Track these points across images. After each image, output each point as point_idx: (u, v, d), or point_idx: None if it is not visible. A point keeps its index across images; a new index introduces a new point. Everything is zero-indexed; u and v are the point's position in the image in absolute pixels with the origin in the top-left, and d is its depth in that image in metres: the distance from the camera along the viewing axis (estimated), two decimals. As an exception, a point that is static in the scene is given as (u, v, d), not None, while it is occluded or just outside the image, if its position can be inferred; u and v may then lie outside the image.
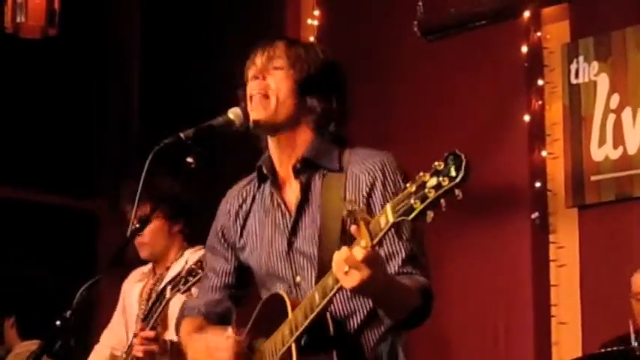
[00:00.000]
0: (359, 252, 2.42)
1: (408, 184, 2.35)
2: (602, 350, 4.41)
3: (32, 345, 5.60)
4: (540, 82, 5.52)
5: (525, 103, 5.54)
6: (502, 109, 5.67)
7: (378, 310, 2.70)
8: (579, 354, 5.10)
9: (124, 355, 4.25)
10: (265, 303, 2.84)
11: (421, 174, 2.32)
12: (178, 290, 4.01)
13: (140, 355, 4.05)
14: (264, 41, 2.94)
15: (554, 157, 5.48)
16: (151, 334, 4.05)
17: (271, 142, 2.88)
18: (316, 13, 6.36)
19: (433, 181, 2.30)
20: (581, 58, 5.40)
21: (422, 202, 2.31)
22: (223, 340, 2.75)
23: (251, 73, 2.87)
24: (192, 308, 3.06)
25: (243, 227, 2.97)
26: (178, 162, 2.66)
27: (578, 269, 5.36)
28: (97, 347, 4.63)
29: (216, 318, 3.01)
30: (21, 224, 6.64)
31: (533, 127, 5.51)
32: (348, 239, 2.53)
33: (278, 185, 2.89)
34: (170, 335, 4.24)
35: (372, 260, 2.44)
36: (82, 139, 6.89)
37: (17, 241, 6.57)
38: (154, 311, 4.16)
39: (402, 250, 2.73)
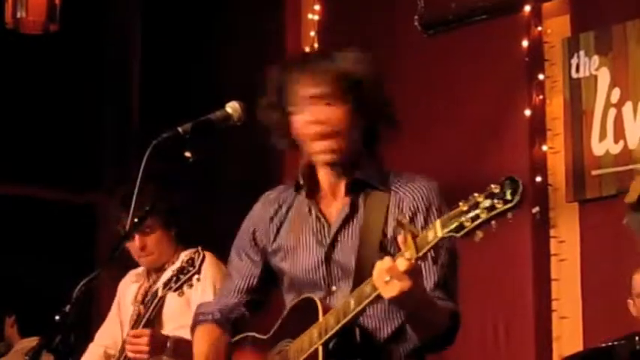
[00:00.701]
0: (402, 263, 2.47)
1: (460, 203, 2.40)
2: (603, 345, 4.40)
3: (32, 342, 5.61)
4: (541, 77, 5.52)
5: (526, 97, 5.53)
6: (503, 104, 5.66)
7: (408, 325, 2.73)
8: (580, 348, 5.10)
9: (117, 354, 4.25)
10: (295, 306, 2.86)
11: (475, 195, 2.38)
12: (170, 288, 4.01)
13: (131, 354, 4.05)
14: (303, 56, 2.96)
15: (555, 151, 5.48)
16: (140, 332, 4.04)
17: (323, 166, 2.90)
18: (317, 7, 6.35)
19: (487, 203, 2.36)
20: (581, 53, 5.39)
21: (473, 221, 2.37)
22: None
23: (302, 102, 2.82)
24: (206, 314, 3.06)
25: (277, 233, 2.98)
26: (176, 156, 2.66)
27: (579, 264, 5.36)
28: (91, 346, 4.62)
29: (229, 324, 3.01)
30: (20, 219, 6.64)
31: (534, 122, 5.51)
32: (388, 256, 2.58)
33: (318, 197, 2.91)
34: (166, 333, 4.25)
35: (414, 273, 2.49)
36: (82, 133, 6.89)
37: (16, 237, 6.57)
38: (146, 310, 4.16)
39: (435, 275, 2.80)
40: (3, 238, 6.49)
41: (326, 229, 2.87)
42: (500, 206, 2.34)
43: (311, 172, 2.91)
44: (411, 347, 2.81)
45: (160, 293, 4.09)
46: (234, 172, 6.39)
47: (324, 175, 2.90)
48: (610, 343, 4.25)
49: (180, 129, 2.64)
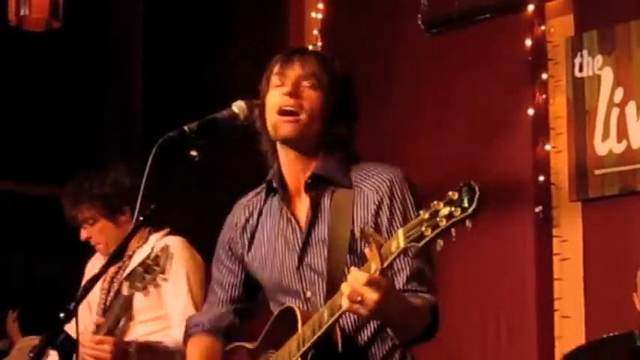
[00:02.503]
0: (364, 277, 2.48)
1: (421, 211, 2.42)
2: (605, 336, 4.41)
3: (34, 340, 5.61)
4: (544, 76, 5.52)
5: (529, 96, 5.54)
6: (506, 103, 5.67)
7: (388, 329, 2.73)
8: (582, 347, 5.12)
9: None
10: (278, 316, 2.88)
11: (435, 202, 2.39)
12: (136, 289, 3.98)
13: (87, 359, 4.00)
14: (291, 49, 2.98)
15: (558, 150, 5.48)
16: (103, 339, 4.00)
17: (285, 157, 2.89)
18: (320, 6, 6.36)
19: (446, 211, 2.37)
20: (585, 52, 5.40)
21: (433, 230, 2.38)
22: None
23: (280, 82, 2.86)
24: (196, 325, 3.08)
25: (251, 240, 3.00)
26: (182, 155, 2.66)
27: (581, 263, 5.37)
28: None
29: (220, 333, 3.03)
30: (21, 217, 6.64)
31: (537, 121, 5.51)
32: (357, 256, 2.64)
33: (288, 199, 2.92)
34: (137, 331, 4.21)
35: (380, 284, 2.48)
36: (84, 131, 6.89)
37: (17, 234, 6.57)
38: (112, 311, 4.12)
39: (407, 268, 2.78)
40: (6, 235, 6.50)
41: (298, 232, 2.89)
42: (457, 214, 2.36)
43: (281, 173, 2.93)
44: (393, 345, 2.82)
45: (125, 292, 4.06)
46: (233, 170, 6.39)
47: (288, 174, 2.91)
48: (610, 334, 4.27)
49: (186, 128, 2.64)
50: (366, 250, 2.53)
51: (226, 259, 3.05)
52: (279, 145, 2.89)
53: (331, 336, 2.71)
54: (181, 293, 4.20)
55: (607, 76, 5.32)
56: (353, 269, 2.52)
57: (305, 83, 2.83)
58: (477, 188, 2.36)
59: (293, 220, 2.89)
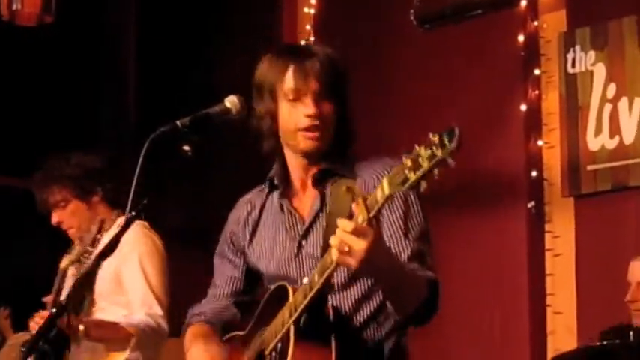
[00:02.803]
0: (350, 226, 2.45)
1: (404, 157, 2.38)
2: (603, 342, 4.40)
3: (25, 336, 5.61)
4: (537, 72, 5.53)
5: (522, 92, 5.55)
6: (499, 99, 5.67)
7: (387, 301, 2.71)
8: (574, 343, 5.13)
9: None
10: (269, 295, 2.87)
11: (417, 147, 2.36)
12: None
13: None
14: (294, 49, 2.94)
15: (551, 146, 5.49)
16: (44, 314, 3.94)
17: (293, 158, 2.88)
18: (313, 1, 6.36)
19: (427, 153, 2.34)
20: (577, 48, 5.41)
21: (415, 172, 2.34)
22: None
23: (295, 96, 2.81)
24: (198, 314, 3.08)
25: (253, 232, 2.99)
26: (174, 150, 2.66)
27: (573, 258, 5.38)
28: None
29: (220, 325, 3.03)
30: (14, 211, 6.63)
31: (530, 117, 5.52)
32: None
33: (290, 194, 2.91)
34: (102, 310, 4.18)
35: (367, 233, 2.45)
36: (79, 126, 6.88)
37: (10, 229, 6.56)
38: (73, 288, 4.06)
39: (408, 248, 2.76)
40: (3, 230, 6.49)
41: (299, 223, 2.88)
42: (439, 154, 2.34)
43: (285, 171, 2.92)
44: (392, 325, 2.79)
45: (69, 272, 4.03)
46: (229, 166, 6.39)
47: (295, 171, 2.90)
48: (605, 341, 4.27)
49: (178, 123, 2.63)
50: (353, 205, 2.51)
51: (229, 252, 3.05)
52: (288, 149, 2.90)
53: (324, 309, 2.71)
54: (138, 278, 4.18)
55: (599, 72, 5.33)
56: (340, 220, 2.50)
57: (322, 96, 2.82)
58: (456, 129, 2.34)
59: (294, 212, 2.89)
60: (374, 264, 2.50)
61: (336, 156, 2.87)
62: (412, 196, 2.78)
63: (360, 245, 2.45)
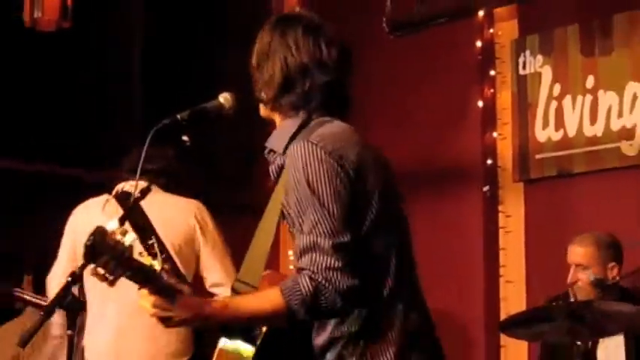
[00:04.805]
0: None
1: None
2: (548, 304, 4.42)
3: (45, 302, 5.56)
4: (492, 73, 5.53)
5: (479, 91, 5.54)
6: (459, 96, 5.67)
7: None
8: (524, 308, 5.14)
9: None
10: None
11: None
12: None
13: None
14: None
15: (504, 137, 5.49)
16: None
17: None
18: (297, 10, 6.32)
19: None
20: (527, 52, 5.40)
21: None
22: None
23: None
24: None
25: None
26: (175, 139, 2.63)
27: (523, 235, 5.39)
28: (59, 279, 4.03)
29: None
30: (35, 194, 6.60)
31: (486, 112, 5.52)
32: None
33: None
34: None
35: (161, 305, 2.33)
36: (93, 120, 6.86)
37: (32, 209, 6.53)
38: None
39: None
40: (21, 211, 6.46)
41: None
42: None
43: None
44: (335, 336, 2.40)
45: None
46: (226, 163, 6.37)
47: None
48: (552, 303, 4.28)
49: (178, 116, 2.60)
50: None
51: None
52: None
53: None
54: None
55: (546, 73, 5.33)
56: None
57: None
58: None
59: None
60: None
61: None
62: None
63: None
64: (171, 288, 2.34)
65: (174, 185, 4.11)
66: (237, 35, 6.37)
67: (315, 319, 2.37)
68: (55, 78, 6.68)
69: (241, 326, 2.45)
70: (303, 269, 2.30)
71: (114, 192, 4.03)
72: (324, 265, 2.27)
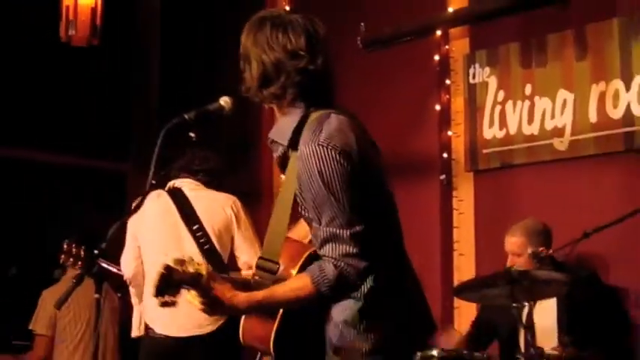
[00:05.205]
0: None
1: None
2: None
3: (77, 271, 5.47)
4: (448, 82, 5.52)
5: (437, 96, 5.54)
6: (420, 101, 5.66)
7: None
8: (473, 276, 5.14)
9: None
10: None
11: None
12: None
13: None
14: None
15: (457, 135, 5.49)
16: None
17: None
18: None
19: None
20: (477, 65, 5.40)
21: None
22: None
23: None
24: None
25: None
26: (184, 136, 2.60)
27: (473, 216, 5.39)
28: (128, 260, 3.98)
29: None
30: (60, 185, 6.56)
31: (442, 114, 5.52)
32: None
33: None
34: None
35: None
36: (116, 116, 6.83)
37: (58, 200, 6.49)
38: None
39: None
40: (47, 200, 6.42)
41: None
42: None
43: None
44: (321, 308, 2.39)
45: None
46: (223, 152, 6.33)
47: None
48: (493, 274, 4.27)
49: (186, 116, 2.57)
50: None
51: None
52: None
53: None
54: None
55: (492, 82, 5.32)
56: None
57: None
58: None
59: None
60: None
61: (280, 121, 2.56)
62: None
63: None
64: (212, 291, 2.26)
65: (217, 182, 4.17)
66: (236, 35, 6.32)
67: (340, 296, 2.35)
68: (86, 85, 6.66)
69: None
70: (325, 256, 2.28)
71: (166, 187, 4.09)
72: (344, 253, 2.26)
